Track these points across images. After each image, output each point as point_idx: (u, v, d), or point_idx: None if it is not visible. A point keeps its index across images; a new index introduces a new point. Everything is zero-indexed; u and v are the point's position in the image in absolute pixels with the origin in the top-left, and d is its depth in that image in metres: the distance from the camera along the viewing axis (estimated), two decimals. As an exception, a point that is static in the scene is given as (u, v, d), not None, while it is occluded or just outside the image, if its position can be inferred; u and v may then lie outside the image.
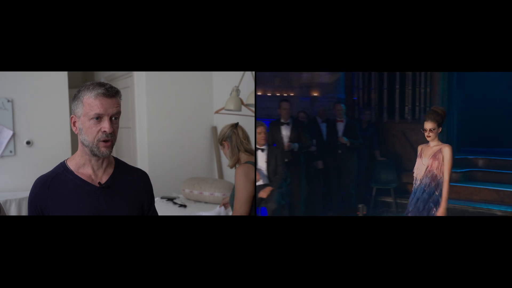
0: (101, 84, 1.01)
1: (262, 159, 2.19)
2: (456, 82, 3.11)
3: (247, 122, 2.27)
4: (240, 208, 1.62)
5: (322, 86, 3.18)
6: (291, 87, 3.21)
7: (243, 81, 2.38)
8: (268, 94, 3.18)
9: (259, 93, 3.18)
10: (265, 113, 3.01)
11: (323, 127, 2.77)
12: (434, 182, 1.66)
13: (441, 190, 1.66)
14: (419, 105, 2.87)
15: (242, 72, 2.39)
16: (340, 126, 2.69)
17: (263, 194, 2.12)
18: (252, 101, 2.21)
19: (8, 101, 2.55)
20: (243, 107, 2.32)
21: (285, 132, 2.42)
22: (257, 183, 2.16)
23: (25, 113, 2.64)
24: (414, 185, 1.75)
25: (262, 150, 2.17)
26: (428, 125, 1.67)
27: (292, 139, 2.45)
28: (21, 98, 2.61)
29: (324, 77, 3.19)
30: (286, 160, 2.31)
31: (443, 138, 2.99)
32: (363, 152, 2.87)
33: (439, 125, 1.67)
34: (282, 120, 2.44)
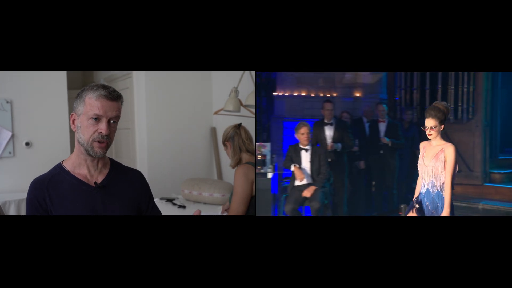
0: (104, 87, 1.11)
1: (306, 159, 2.43)
2: (500, 82, 3.26)
3: (246, 123, 2.42)
4: (237, 208, 1.75)
5: (364, 86, 3.46)
6: (334, 87, 3.51)
7: (242, 82, 2.57)
8: (312, 95, 3.48)
9: (303, 94, 3.50)
10: (308, 113, 3.29)
11: (367, 127, 3.05)
12: (440, 185, 1.67)
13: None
14: (462, 105, 3.02)
15: (241, 73, 2.57)
16: (382, 127, 2.95)
17: (307, 193, 2.35)
18: (251, 102, 2.43)
19: (7, 102, 2.77)
20: (242, 108, 2.51)
21: (328, 132, 2.69)
22: (301, 183, 2.42)
23: (24, 114, 2.86)
24: (421, 188, 1.75)
25: (306, 150, 2.43)
26: (429, 122, 1.66)
27: (335, 139, 2.70)
28: (20, 99, 2.83)
29: (366, 77, 3.46)
30: (329, 160, 2.56)
31: (486, 137, 3.00)
32: (405, 152, 3.09)
33: (441, 123, 1.67)
34: (325, 121, 2.69)
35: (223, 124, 2.05)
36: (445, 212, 1.68)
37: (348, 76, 3.49)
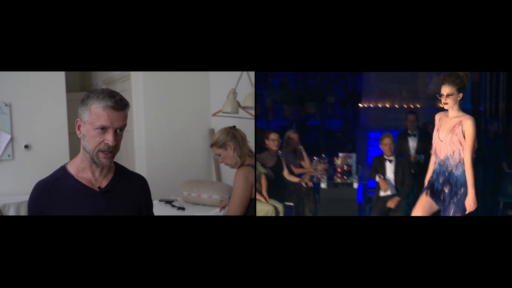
0: (111, 95, 1.22)
1: (390, 169, 2.93)
2: None
3: (244, 125, 2.83)
4: (235, 211, 1.97)
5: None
6: (418, 98, 4.09)
7: (240, 84, 2.93)
8: (396, 106, 4.09)
9: (386, 105, 4.10)
10: (392, 124, 3.86)
11: None
12: (455, 164, 1.75)
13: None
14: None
15: (239, 75, 2.95)
16: None
17: (391, 204, 2.82)
18: (249, 103, 2.78)
19: (6, 105, 3.26)
20: (240, 110, 2.90)
21: (412, 143, 3.22)
22: (385, 193, 2.89)
23: (23, 117, 3.31)
24: (435, 164, 1.84)
25: (390, 161, 2.91)
26: (446, 89, 1.76)
27: (418, 151, 3.16)
28: (19, 102, 3.30)
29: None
30: (412, 171, 3.00)
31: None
32: (490, 164, 3.45)
33: (459, 90, 1.76)
34: (409, 132, 3.22)
35: (222, 125, 2.25)
36: (470, 195, 1.74)
37: (432, 87, 4.01)
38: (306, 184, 2.97)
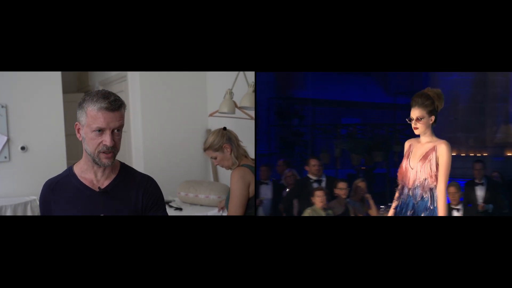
0: (105, 97, 1.28)
1: None
2: None
3: (241, 125, 2.99)
4: (236, 212, 2.08)
5: (516, 146, 3.87)
6: (485, 147, 4.22)
7: (236, 84, 3.09)
8: (462, 155, 4.27)
9: (453, 154, 4.59)
10: (459, 173, 3.94)
11: None
12: (428, 193, 1.71)
13: (435, 203, 1.66)
14: None
15: (235, 75, 3.10)
16: None
17: None
18: (246, 103, 2.94)
19: (2, 106, 3.44)
20: (237, 110, 3.06)
21: (480, 192, 3.35)
22: None
23: (19, 119, 3.49)
24: (401, 195, 1.76)
25: (458, 210, 2.99)
26: (415, 112, 1.69)
27: (486, 200, 3.26)
28: (15, 103, 3.48)
29: (519, 137, 3.89)
30: None
31: None
32: None
33: (430, 113, 1.70)
34: (476, 181, 3.35)
35: (219, 126, 2.37)
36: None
37: (500, 135, 4.19)
38: None
